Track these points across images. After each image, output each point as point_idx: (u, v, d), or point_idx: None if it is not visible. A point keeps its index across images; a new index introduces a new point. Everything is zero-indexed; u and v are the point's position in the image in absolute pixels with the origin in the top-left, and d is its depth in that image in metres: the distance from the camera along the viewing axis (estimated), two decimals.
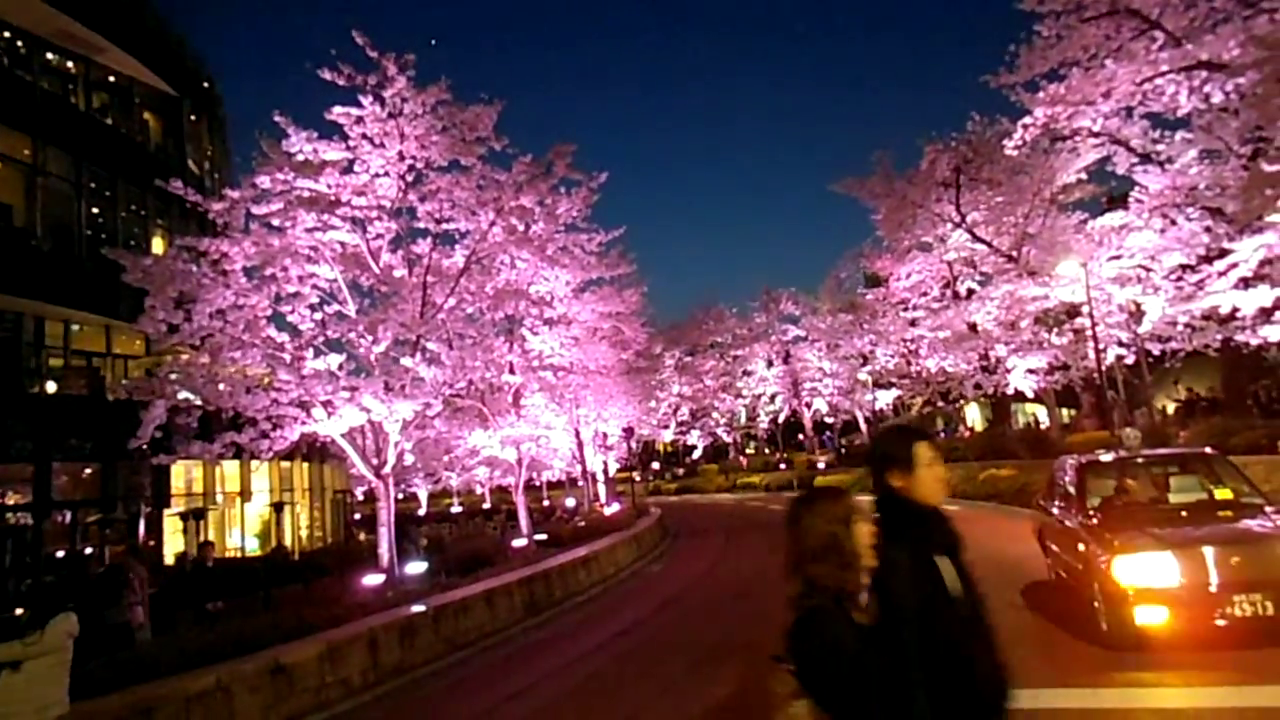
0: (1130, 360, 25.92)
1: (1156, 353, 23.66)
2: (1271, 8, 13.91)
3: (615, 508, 26.90)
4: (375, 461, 12.56)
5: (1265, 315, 15.63)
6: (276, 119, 12.22)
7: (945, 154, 25.95)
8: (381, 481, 12.64)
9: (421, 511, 51.58)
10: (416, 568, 13.02)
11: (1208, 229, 20.13)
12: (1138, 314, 21.00)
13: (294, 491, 39.43)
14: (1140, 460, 9.48)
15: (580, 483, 27.10)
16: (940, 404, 35.68)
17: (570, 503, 26.57)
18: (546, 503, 44.34)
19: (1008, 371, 27.66)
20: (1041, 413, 41.79)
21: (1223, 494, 8.44)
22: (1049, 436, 26.80)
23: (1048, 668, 7.55)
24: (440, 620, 10.68)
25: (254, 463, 33.72)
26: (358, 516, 47.15)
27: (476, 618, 11.45)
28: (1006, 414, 32.01)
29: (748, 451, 56.05)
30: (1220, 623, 6.91)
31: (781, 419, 48.80)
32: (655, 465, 60.21)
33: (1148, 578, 7.13)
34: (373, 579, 12.15)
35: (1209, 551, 7.06)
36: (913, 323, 33.90)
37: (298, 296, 11.95)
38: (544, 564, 14.06)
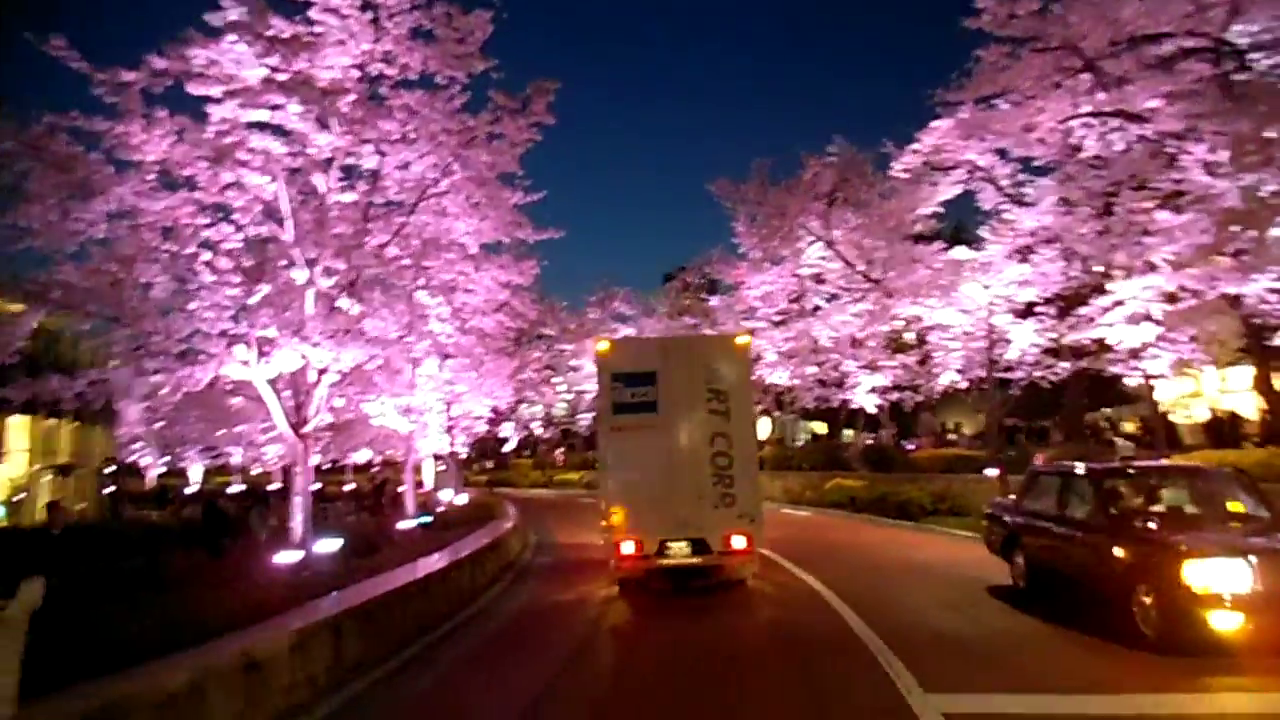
0: (963, 386, 27.96)
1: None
2: (1185, 67, 15.27)
3: (464, 498, 25.11)
4: (294, 419, 10.46)
5: (1133, 354, 17.16)
6: None
7: (827, 169, 26.68)
8: (302, 442, 10.55)
9: (191, 490, 46.02)
10: (329, 546, 11.01)
11: (1064, 270, 22.07)
12: (996, 343, 22.45)
13: (56, 455, 33.84)
14: (1155, 471, 9.77)
15: (442, 466, 25.02)
16: (776, 413, 36.83)
17: (447, 494, 23.71)
18: (350, 486, 40.92)
19: (853, 387, 28.87)
20: (847, 433, 44.68)
21: (1235, 507, 8.79)
22: (887, 452, 28.19)
23: (1092, 672, 7.40)
24: (393, 607, 9.04)
25: (12, 418, 28.48)
26: (113, 488, 41.43)
27: (417, 606, 9.85)
28: (839, 428, 33.60)
29: (562, 448, 55.18)
30: None
31: None
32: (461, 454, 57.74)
33: (1222, 583, 7.14)
34: (286, 557, 10.10)
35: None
36: (751, 332, 34.63)
37: (221, 208, 9.67)
38: (466, 547, 12.48)
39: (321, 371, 10.37)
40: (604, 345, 12.59)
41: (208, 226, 9.80)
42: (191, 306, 9.46)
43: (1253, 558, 7.18)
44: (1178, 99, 14.75)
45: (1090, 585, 8.93)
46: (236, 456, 47.21)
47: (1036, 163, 21.57)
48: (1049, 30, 15.04)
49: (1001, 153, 22.23)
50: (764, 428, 52.81)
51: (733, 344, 12.74)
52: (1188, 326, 16.05)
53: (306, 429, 10.57)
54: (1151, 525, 8.34)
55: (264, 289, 9.57)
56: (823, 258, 30.21)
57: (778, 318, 33.86)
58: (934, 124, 23.51)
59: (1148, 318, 16.55)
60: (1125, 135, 16.46)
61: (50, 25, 9.51)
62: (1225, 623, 7.10)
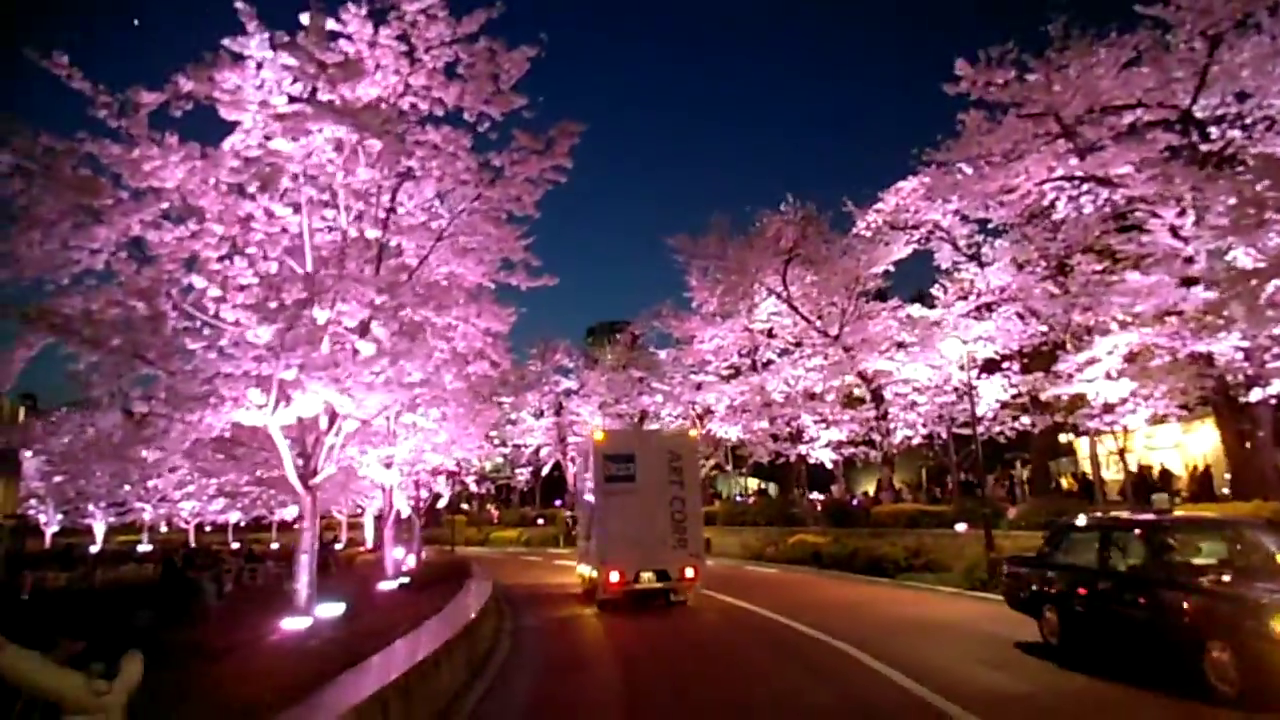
0: (917, 441, 28.40)
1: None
2: (1153, 137, 16.05)
3: (421, 557, 23.76)
4: (301, 470, 9.59)
5: (1107, 409, 17.66)
6: (238, 4, 9.12)
7: (789, 226, 27.07)
8: (310, 495, 9.69)
9: (95, 548, 42.62)
10: (332, 609, 10.08)
11: (1023, 329, 22.79)
12: (964, 397, 22.86)
13: None
14: (1200, 523, 9.81)
15: (393, 526, 23.54)
16: (727, 469, 36.60)
17: (398, 554, 21.99)
18: (274, 546, 38.60)
19: (812, 441, 28.95)
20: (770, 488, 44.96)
21: None
22: (848, 507, 28.20)
23: None
24: (427, 677, 8.27)
25: None
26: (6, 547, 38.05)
27: (445, 676, 9.07)
28: (791, 484, 33.59)
29: (497, 505, 53.68)
30: None
31: (545, 472, 47.40)
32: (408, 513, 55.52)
33: None
34: (293, 623, 9.16)
35: None
36: (698, 386, 34.55)
37: (233, 241, 8.89)
38: (464, 610, 11.69)
39: (334, 418, 9.60)
40: (600, 435, 17.05)
41: (224, 259, 9.04)
42: (220, 344, 8.64)
43: None
44: (1148, 165, 15.48)
45: (1146, 641, 8.81)
46: (146, 513, 44.20)
47: (991, 225, 22.44)
48: (1032, 96, 15.61)
49: (962, 214, 23.02)
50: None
51: (686, 435, 18.42)
52: (1158, 382, 16.62)
53: (315, 480, 9.72)
54: (1225, 578, 8.30)
55: (293, 328, 8.80)
56: (775, 313, 30.50)
57: (728, 371, 33.96)
58: (898, 184, 24.28)
59: (1119, 373, 17.13)
60: (1095, 199, 17.18)
61: (54, 42, 8.74)
62: None
